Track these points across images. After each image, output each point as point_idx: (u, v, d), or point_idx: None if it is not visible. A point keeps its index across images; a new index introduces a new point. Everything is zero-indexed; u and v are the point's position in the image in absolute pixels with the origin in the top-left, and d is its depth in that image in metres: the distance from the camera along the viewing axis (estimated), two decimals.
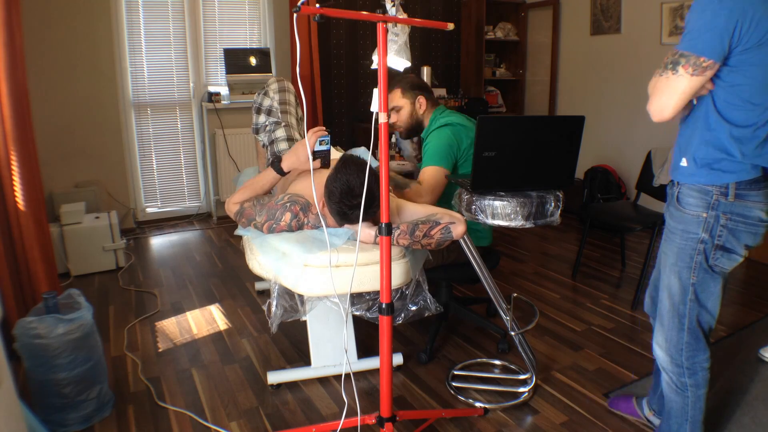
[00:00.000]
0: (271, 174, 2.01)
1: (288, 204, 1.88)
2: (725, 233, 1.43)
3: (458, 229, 1.82)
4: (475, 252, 1.99)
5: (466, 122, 2.42)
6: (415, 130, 2.54)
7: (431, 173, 2.31)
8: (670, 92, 1.34)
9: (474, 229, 2.38)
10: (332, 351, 2.24)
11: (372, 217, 1.78)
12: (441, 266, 2.38)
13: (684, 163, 1.47)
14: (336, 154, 2.47)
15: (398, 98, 2.49)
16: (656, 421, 1.92)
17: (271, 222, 1.87)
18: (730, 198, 1.40)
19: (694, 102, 1.44)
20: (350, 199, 1.69)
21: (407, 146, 2.67)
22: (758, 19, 1.26)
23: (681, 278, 1.51)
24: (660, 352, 1.63)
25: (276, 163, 1.99)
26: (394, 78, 2.51)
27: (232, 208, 1.99)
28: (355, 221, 1.78)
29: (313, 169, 1.75)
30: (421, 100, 2.49)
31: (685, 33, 1.34)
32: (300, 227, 1.89)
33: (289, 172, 2.02)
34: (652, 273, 1.80)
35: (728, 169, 1.39)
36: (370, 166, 1.57)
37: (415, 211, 1.92)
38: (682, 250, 1.49)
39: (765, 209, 1.43)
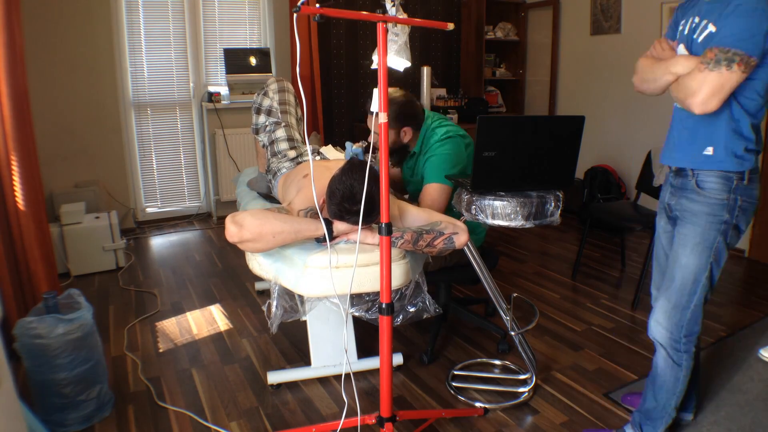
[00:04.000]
0: (309, 233, 1.76)
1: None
2: (740, 213, 1.58)
3: (461, 239, 1.81)
4: (476, 253, 1.99)
5: (460, 129, 2.40)
6: (396, 153, 2.43)
7: (435, 192, 2.25)
8: (722, 86, 1.44)
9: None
10: (332, 351, 2.24)
11: (372, 223, 1.78)
12: (442, 269, 2.38)
13: (709, 151, 1.57)
14: (334, 154, 2.47)
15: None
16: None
17: None
18: (745, 182, 1.56)
19: None
20: (350, 204, 1.68)
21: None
22: None
23: (701, 258, 1.62)
24: (659, 329, 1.72)
25: (329, 228, 1.75)
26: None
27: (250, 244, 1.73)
28: (351, 225, 1.78)
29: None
30: (406, 131, 2.37)
31: (733, 33, 1.42)
32: None
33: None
34: (653, 270, 1.86)
35: (747, 158, 1.55)
36: (373, 172, 1.57)
37: (418, 216, 1.91)
38: (707, 231, 1.60)
39: (759, 189, 1.63)
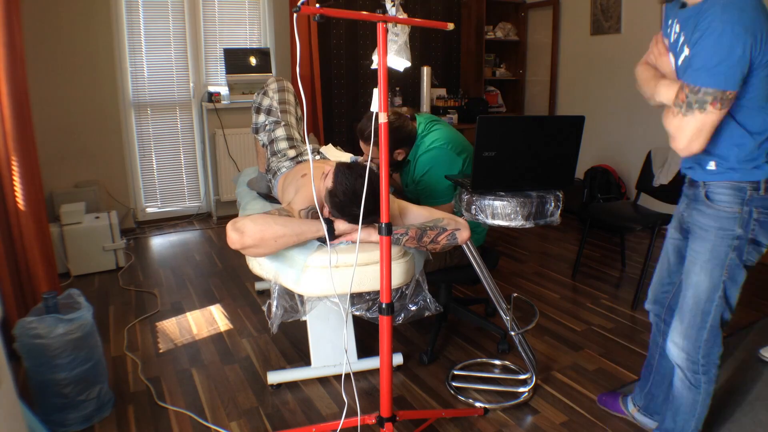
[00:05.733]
0: (310, 234, 1.76)
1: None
2: (757, 227, 1.47)
3: (463, 235, 1.82)
4: (476, 253, 1.99)
5: (446, 136, 2.42)
6: (392, 168, 2.51)
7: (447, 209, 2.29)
8: (699, 130, 1.37)
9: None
10: (332, 351, 2.24)
11: (374, 221, 1.78)
12: (442, 269, 2.38)
13: (712, 165, 1.48)
14: (334, 154, 2.47)
15: (377, 153, 2.32)
16: (641, 418, 1.95)
17: None
18: (762, 192, 1.44)
19: None
20: (356, 208, 1.64)
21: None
22: (766, 38, 1.31)
23: (712, 276, 1.52)
24: (676, 350, 1.63)
25: (330, 228, 1.76)
26: (372, 129, 2.31)
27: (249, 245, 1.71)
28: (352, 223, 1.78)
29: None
30: (400, 152, 2.46)
31: (702, 66, 1.34)
32: None
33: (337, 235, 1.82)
34: (654, 272, 1.83)
35: (763, 166, 1.44)
36: (371, 171, 1.57)
37: (419, 213, 1.92)
38: (717, 247, 1.50)
39: None
